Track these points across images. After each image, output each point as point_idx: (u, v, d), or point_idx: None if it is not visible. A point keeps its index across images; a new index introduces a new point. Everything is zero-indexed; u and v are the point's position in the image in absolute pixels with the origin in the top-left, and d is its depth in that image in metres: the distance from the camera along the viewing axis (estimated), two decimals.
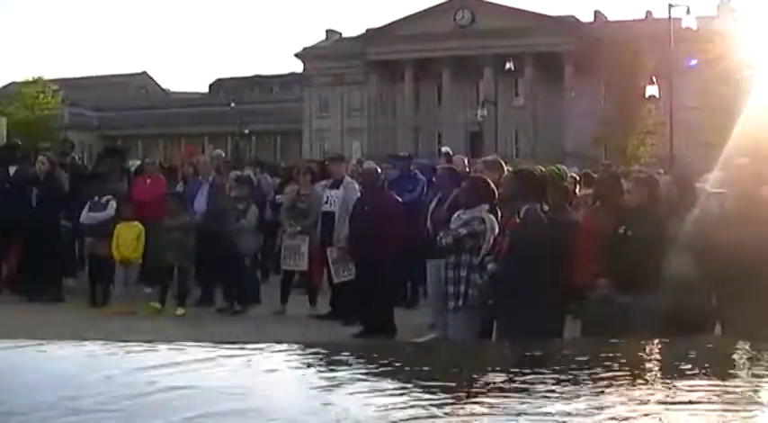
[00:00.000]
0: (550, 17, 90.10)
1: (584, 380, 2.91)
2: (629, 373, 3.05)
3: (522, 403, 2.55)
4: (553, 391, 2.69)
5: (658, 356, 3.73)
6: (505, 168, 12.69)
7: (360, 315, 13.66)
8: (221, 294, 15.76)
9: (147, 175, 17.70)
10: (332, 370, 3.30)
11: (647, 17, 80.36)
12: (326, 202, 14.81)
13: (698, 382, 2.79)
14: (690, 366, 3.20)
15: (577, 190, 14.31)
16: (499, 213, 10.04)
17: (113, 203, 15.81)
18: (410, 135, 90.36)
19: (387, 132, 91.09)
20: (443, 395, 2.71)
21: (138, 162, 21.82)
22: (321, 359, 3.61)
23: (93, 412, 2.46)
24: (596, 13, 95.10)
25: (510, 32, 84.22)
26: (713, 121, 45.77)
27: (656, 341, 4.20)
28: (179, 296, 15.34)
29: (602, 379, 2.89)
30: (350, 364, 3.40)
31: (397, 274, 14.59)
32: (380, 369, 3.23)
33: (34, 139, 44.86)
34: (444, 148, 19.47)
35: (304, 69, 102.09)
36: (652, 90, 46.28)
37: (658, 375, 3.26)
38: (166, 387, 2.87)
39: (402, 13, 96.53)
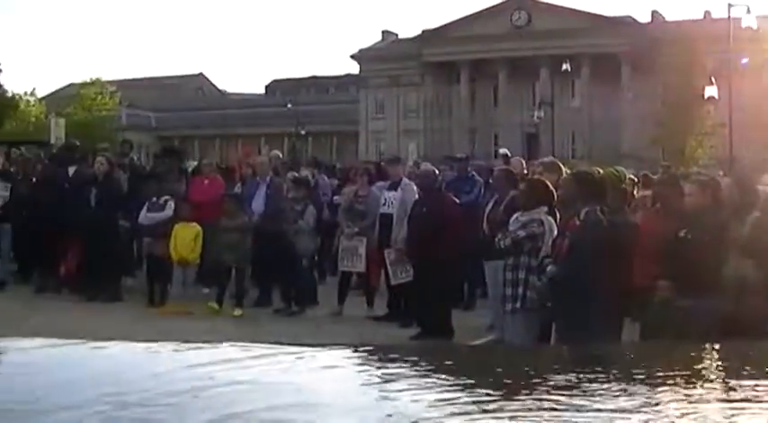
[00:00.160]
0: (607, 18, 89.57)
1: (639, 380, 2.89)
2: (686, 373, 3.03)
3: (573, 400, 2.54)
4: (606, 390, 2.68)
5: (716, 358, 3.70)
6: (563, 170, 12.63)
7: (417, 317, 13.64)
8: (279, 295, 15.77)
9: (204, 176, 17.78)
10: (387, 369, 3.30)
11: (705, 17, 79.88)
12: (384, 204, 14.80)
13: (755, 382, 2.76)
14: (748, 368, 3.17)
15: (635, 192, 14.23)
16: (558, 215, 9.99)
17: (171, 204, 15.89)
18: (466, 136, 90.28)
19: (442, 134, 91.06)
20: (494, 393, 2.71)
21: (195, 163, 21.91)
22: (377, 359, 3.61)
23: (143, 406, 2.49)
24: (654, 13, 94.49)
25: (566, 33, 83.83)
26: None
27: (715, 343, 4.18)
28: (236, 297, 15.38)
29: (658, 378, 2.87)
30: (405, 365, 3.39)
31: (455, 276, 14.54)
32: (435, 369, 3.22)
33: (92, 139, 45.26)
34: (502, 150, 19.41)
35: (360, 70, 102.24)
36: (711, 91, 45.88)
37: (716, 376, 3.23)
38: (223, 382, 2.90)
39: (458, 14, 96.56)
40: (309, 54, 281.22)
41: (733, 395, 2.62)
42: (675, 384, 2.79)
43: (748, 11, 39.90)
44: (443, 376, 3.05)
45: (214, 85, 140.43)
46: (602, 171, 11.71)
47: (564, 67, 66.64)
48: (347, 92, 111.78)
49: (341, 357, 3.81)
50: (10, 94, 62.55)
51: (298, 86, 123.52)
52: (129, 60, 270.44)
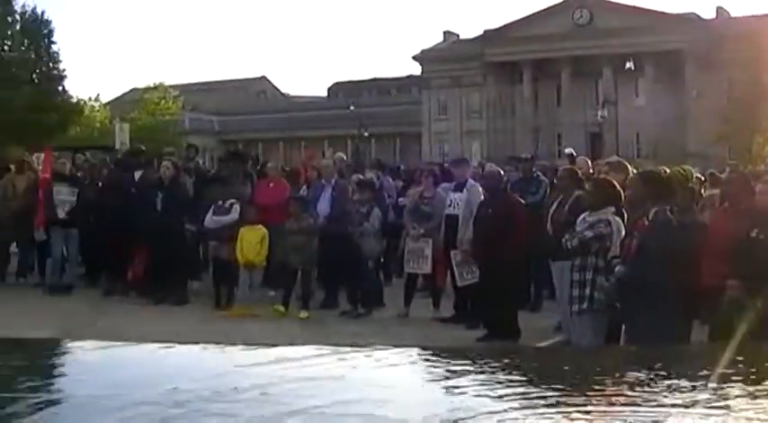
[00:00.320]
0: (670, 14, 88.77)
1: (702, 377, 2.89)
2: (757, 372, 3.01)
3: (636, 396, 2.54)
4: (669, 387, 2.68)
5: None
6: (630, 170, 12.54)
7: (483, 318, 13.60)
8: (345, 297, 15.77)
9: (269, 179, 17.82)
10: (453, 369, 3.31)
11: None
12: (450, 205, 14.77)
13: None
14: None
15: (702, 191, 14.09)
16: (625, 216, 9.91)
17: (237, 207, 15.95)
18: (529, 136, 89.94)
19: (506, 134, 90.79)
20: (554, 391, 2.71)
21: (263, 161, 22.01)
22: (442, 360, 3.61)
23: (214, 402, 2.55)
24: (718, 9, 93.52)
25: (629, 31, 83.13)
26: None
27: None
28: (302, 299, 15.41)
29: (727, 378, 2.86)
30: (471, 365, 3.40)
31: (521, 277, 14.48)
32: (502, 370, 3.22)
33: (156, 144, 45.58)
34: (568, 150, 19.28)
35: (422, 72, 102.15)
36: None
37: None
38: (289, 379, 2.93)
39: (520, 14, 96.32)
40: (371, 56, 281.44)
41: None
42: (745, 383, 2.78)
43: None
44: (509, 376, 3.06)
45: (277, 89, 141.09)
46: (668, 170, 11.62)
47: (627, 65, 66.34)
48: (409, 93, 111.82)
49: (407, 357, 3.81)
50: (75, 100, 63.09)
51: (360, 88, 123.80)
52: (192, 65, 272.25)
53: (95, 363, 3.61)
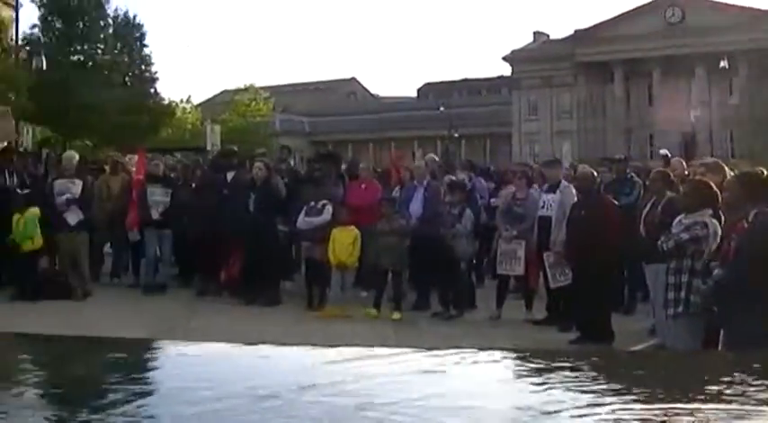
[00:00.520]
0: (765, 11, 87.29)
1: None
2: None
3: (732, 408, 2.52)
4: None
5: None
6: (727, 171, 12.36)
7: (576, 321, 13.50)
8: (437, 299, 15.75)
9: (361, 180, 17.85)
10: (543, 368, 3.30)
11: None
12: (543, 207, 14.71)
13: None
14: None
15: None
16: (723, 218, 9.76)
17: (329, 208, 16.00)
18: (621, 137, 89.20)
19: (596, 134, 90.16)
20: (648, 391, 2.70)
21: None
22: (534, 360, 3.60)
23: (281, 397, 2.60)
24: None
25: (722, 29, 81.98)
26: None
27: None
28: (394, 300, 15.41)
29: None
30: (561, 368, 3.38)
31: (615, 279, 14.35)
32: (594, 373, 3.20)
33: (246, 145, 45.93)
34: (662, 151, 19.07)
35: (512, 72, 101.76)
36: None
37: None
38: (368, 376, 2.94)
39: (610, 13, 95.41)
40: (461, 56, 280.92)
41: None
42: None
43: None
44: (600, 379, 3.04)
45: (366, 90, 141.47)
46: (766, 172, 11.41)
47: (721, 64, 65.37)
48: (499, 94, 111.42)
49: (498, 358, 3.80)
50: (167, 102, 63.79)
51: (450, 89, 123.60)
52: (282, 66, 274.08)
53: (186, 361, 3.73)
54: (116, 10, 57.56)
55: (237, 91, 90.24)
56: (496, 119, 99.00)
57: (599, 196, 14.04)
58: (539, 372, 3.22)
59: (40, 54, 42.78)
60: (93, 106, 47.20)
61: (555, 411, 2.48)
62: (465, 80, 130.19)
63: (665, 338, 11.17)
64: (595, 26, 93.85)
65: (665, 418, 2.40)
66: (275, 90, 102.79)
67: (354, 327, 14.28)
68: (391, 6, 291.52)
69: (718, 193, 9.96)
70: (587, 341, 12.56)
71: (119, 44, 55.90)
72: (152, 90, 59.43)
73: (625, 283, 15.57)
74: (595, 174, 14.73)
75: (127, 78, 56.36)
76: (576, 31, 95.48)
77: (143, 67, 58.56)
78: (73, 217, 17.00)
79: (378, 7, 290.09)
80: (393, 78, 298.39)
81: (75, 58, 52.02)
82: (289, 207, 16.94)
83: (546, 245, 14.31)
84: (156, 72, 59.69)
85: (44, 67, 42.18)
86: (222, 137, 38.24)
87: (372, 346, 9.57)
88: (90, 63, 51.95)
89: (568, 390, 2.75)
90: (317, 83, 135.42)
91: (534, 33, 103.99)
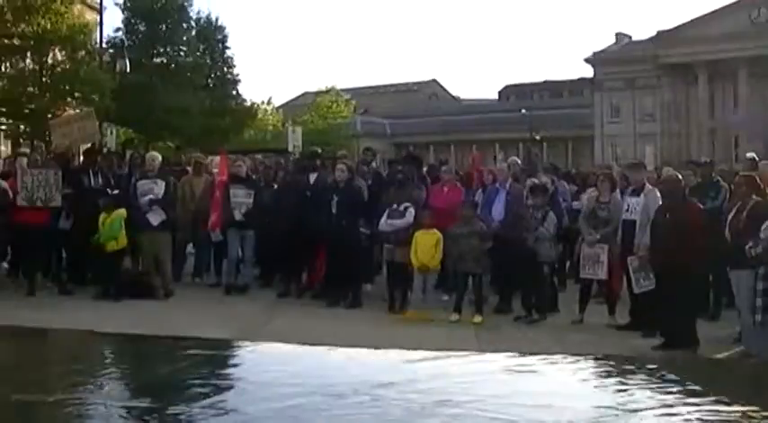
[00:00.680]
0: None
1: None
2: None
3: None
4: None
5: None
6: None
7: (660, 326, 13.31)
8: (519, 302, 15.64)
9: (444, 183, 17.79)
10: (625, 374, 3.26)
11: None
12: (627, 210, 14.54)
13: None
14: None
15: None
16: None
17: (412, 211, 15.96)
18: (705, 139, 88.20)
19: (680, 137, 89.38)
20: (728, 401, 2.66)
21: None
22: (616, 366, 3.56)
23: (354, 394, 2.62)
24: None
25: None
26: None
27: None
28: (475, 304, 15.33)
29: None
30: (643, 374, 3.33)
31: (700, 285, 14.14)
32: (676, 378, 3.15)
33: (327, 147, 46.16)
34: (749, 154, 18.70)
35: (594, 74, 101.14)
36: None
37: None
38: (444, 375, 2.92)
39: (694, 14, 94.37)
40: (542, 58, 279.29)
41: None
42: None
43: None
44: (683, 384, 2.99)
45: (447, 92, 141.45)
46: None
47: None
48: (581, 96, 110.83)
49: (579, 362, 3.76)
50: (249, 104, 64.25)
51: (531, 91, 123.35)
52: (363, 68, 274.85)
53: (266, 360, 3.77)
54: (198, 12, 58.26)
55: (319, 93, 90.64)
56: (578, 121, 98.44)
57: (684, 200, 13.81)
58: (621, 375, 3.18)
59: (124, 57, 43.24)
60: (176, 108, 47.76)
61: (637, 410, 2.45)
62: (546, 82, 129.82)
63: (752, 346, 11.00)
64: (679, 27, 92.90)
65: (745, 421, 2.36)
66: (356, 92, 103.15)
67: (435, 330, 14.26)
68: (473, 8, 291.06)
69: None
70: (671, 347, 12.39)
71: (201, 46, 56.47)
72: (234, 92, 59.96)
73: (710, 289, 15.33)
74: (680, 177, 14.53)
75: (209, 80, 56.89)
76: (659, 32, 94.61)
77: (225, 69, 59.13)
78: (155, 217, 17.17)
79: (460, 9, 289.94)
80: (474, 80, 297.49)
81: (159, 60, 52.65)
82: (371, 209, 16.94)
83: (630, 249, 14.14)
84: (237, 74, 60.35)
85: (127, 69, 42.67)
86: (303, 139, 38.33)
87: (452, 348, 9.53)
88: (173, 65, 52.49)
89: (651, 392, 2.71)
90: (399, 85, 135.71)
91: (616, 35, 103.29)
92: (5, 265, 19.06)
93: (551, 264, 15.58)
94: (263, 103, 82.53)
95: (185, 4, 53.86)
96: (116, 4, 53.38)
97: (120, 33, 52.55)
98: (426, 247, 15.44)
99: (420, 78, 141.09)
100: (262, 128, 75.42)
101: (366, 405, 2.78)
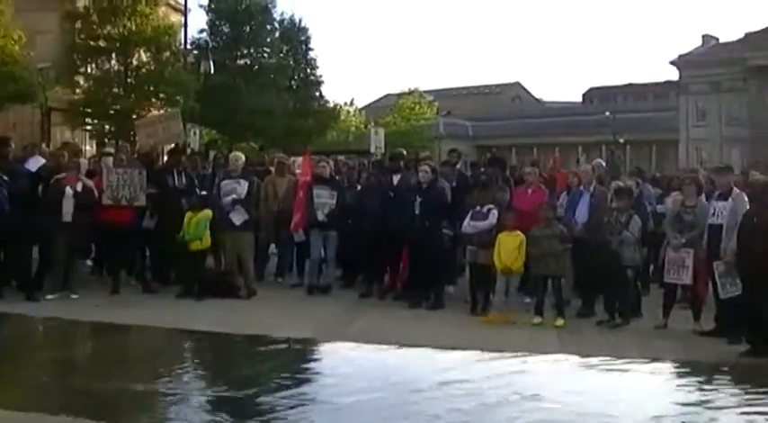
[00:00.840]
0: None
1: None
2: None
3: None
4: None
5: None
6: None
7: (746, 333, 13.11)
8: (602, 306, 15.49)
9: (528, 185, 17.70)
10: (709, 379, 3.23)
11: None
12: (713, 214, 14.34)
13: None
14: None
15: None
16: None
17: (495, 212, 15.90)
18: None
19: None
20: None
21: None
22: (700, 371, 3.53)
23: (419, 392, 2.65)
24: None
25: None
26: None
27: None
28: (556, 307, 15.24)
29: None
30: (727, 382, 3.30)
31: None
32: (760, 386, 3.12)
33: (410, 148, 46.20)
34: None
35: (680, 77, 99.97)
36: None
37: None
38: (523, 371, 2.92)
39: None
40: (627, 61, 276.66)
41: None
42: None
43: None
44: None
45: (531, 94, 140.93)
46: None
47: None
48: (666, 99, 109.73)
49: (661, 366, 3.74)
50: (332, 105, 64.47)
51: (615, 94, 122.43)
52: (446, 70, 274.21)
53: (344, 358, 3.84)
54: (282, 14, 58.61)
55: (402, 94, 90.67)
56: (663, 124, 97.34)
57: None
58: (704, 379, 3.14)
59: (208, 58, 43.64)
60: (260, 109, 48.05)
61: (721, 407, 2.43)
62: (630, 85, 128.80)
63: None
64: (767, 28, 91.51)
65: None
66: (439, 94, 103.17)
67: (517, 332, 14.25)
68: (557, 10, 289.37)
69: None
70: (757, 355, 12.19)
71: (285, 48, 56.72)
72: (317, 93, 60.15)
73: None
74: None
75: (292, 82, 57.14)
76: (747, 34, 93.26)
77: (308, 70, 59.34)
78: (238, 217, 17.31)
79: (544, 11, 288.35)
80: (557, 83, 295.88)
81: (242, 61, 52.95)
82: (454, 210, 16.90)
83: (716, 253, 13.93)
84: (321, 75, 60.49)
85: (211, 70, 43.04)
86: (386, 140, 38.38)
87: (534, 351, 9.49)
88: (256, 67, 52.76)
89: (734, 397, 2.68)
90: (482, 87, 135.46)
91: (703, 37, 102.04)
92: (90, 263, 19.33)
93: (635, 267, 15.37)
94: (345, 104, 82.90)
95: (269, 5, 54.10)
96: (200, 6, 54.00)
97: (204, 35, 53.01)
98: (509, 248, 15.36)
99: (503, 80, 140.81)
100: (344, 129, 75.66)
101: (441, 399, 2.83)
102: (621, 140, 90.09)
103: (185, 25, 44.56)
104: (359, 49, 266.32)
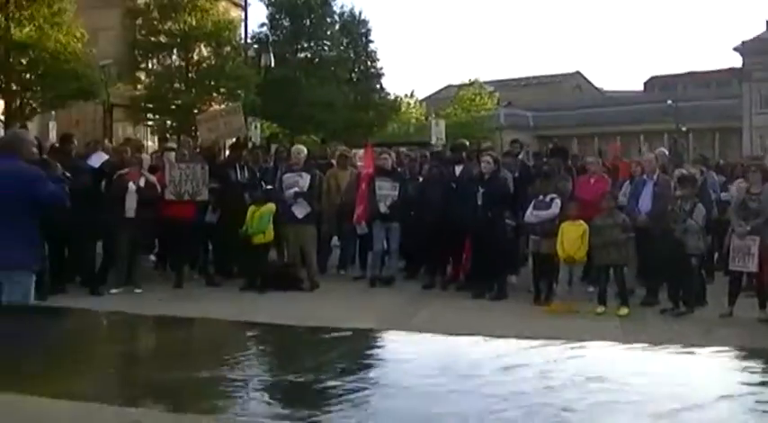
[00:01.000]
0: None
1: None
2: None
3: None
4: None
5: None
6: None
7: None
8: (666, 295, 15.42)
9: (590, 175, 17.65)
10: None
11: None
12: None
13: None
14: None
15: None
16: None
17: (558, 202, 15.87)
18: None
19: None
20: None
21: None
22: (764, 359, 3.50)
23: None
24: None
25: None
26: None
27: None
28: (619, 296, 15.19)
29: None
30: None
31: None
32: None
33: (471, 139, 46.23)
34: None
35: (743, 64, 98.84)
36: None
37: None
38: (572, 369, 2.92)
39: None
40: (688, 48, 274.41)
41: None
42: None
43: None
44: None
45: (591, 83, 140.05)
46: None
47: None
48: (728, 86, 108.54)
49: (724, 357, 3.72)
50: (392, 97, 64.48)
51: (676, 82, 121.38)
52: (506, 61, 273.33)
53: (407, 347, 3.87)
54: (342, 7, 58.95)
55: (462, 86, 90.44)
56: (725, 112, 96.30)
57: None
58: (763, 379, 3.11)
59: (268, 52, 43.86)
60: (320, 102, 48.19)
61: None
62: (692, 73, 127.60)
63: None
64: None
65: None
66: (500, 84, 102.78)
67: (581, 322, 14.22)
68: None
69: None
70: None
71: (345, 40, 56.85)
72: (378, 86, 60.21)
73: None
74: None
75: (353, 74, 57.24)
76: None
77: (369, 62, 59.41)
78: (301, 210, 17.37)
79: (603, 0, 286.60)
80: (618, 72, 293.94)
81: (303, 55, 53.16)
82: (516, 200, 16.89)
83: None
84: (381, 68, 60.54)
85: (272, 64, 43.26)
86: (446, 131, 38.41)
87: (597, 340, 9.44)
88: (316, 60, 52.94)
89: None
90: (542, 77, 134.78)
91: (767, 23, 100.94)
92: (153, 257, 19.51)
93: (699, 256, 15.28)
94: (406, 96, 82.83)
95: None
96: (260, 0, 54.22)
97: (264, 29, 53.31)
98: (572, 238, 15.33)
99: (564, 70, 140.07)
100: (405, 121, 75.68)
101: (507, 383, 2.85)
102: (684, 129, 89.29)
103: (245, 19, 44.96)
104: (419, 40, 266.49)
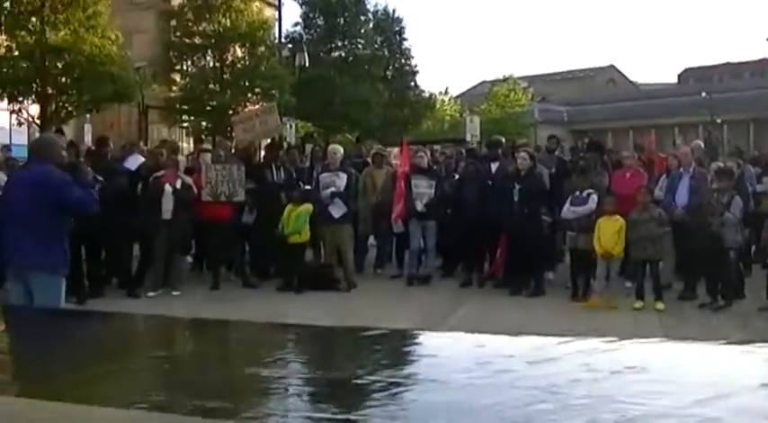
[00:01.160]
0: None
1: None
2: None
3: None
4: None
5: None
6: None
7: None
8: (704, 289, 15.37)
9: (626, 169, 17.59)
10: None
11: None
12: None
13: None
14: None
15: None
16: None
17: (594, 197, 15.82)
18: None
19: None
20: None
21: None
22: None
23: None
24: None
25: None
26: None
27: None
28: (654, 291, 15.13)
29: None
30: None
31: None
32: None
33: (506, 135, 46.14)
34: None
35: None
36: None
37: None
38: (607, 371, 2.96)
39: None
40: (723, 39, 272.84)
41: None
42: None
43: None
44: None
45: (625, 77, 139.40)
46: None
47: None
48: (763, 77, 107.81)
49: (763, 350, 3.73)
50: (427, 94, 64.39)
51: (711, 73, 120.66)
52: (540, 55, 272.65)
53: (448, 345, 3.92)
54: (376, 5, 58.74)
55: (496, 82, 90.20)
56: (760, 102, 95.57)
57: None
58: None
59: (303, 51, 43.85)
60: (355, 101, 48.17)
61: None
62: (727, 64, 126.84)
63: None
64: None
65: None
66: (534, 79, 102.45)
67: (619, 317, 14.17)
68: None
69: None
70: None
71: (379, 39, 56.80)
72: (412, 83, 60.16)
73: None
74: None
75: (387, 72, 57.18)
76: None
77: (403, 60, 59.33)
78: (337, 210, 17.37)
79: None
80: (652, 64, 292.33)
81: (337, 53, 53.12)
82: (553, 197, 16.89)
83: None
84: (416, 65, 60.47)
85: (306, 63, 43.26)
86: (481, 128, 38.38)
87: (637, 335, 9.45)
88: (351, 58, 52.89)
89: None
90: (576, 71, 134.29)
91: None
92: (190, 259, 19.57)
93: (737, 249, 15.22)
94: (440, 93, 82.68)
95: None
96: (294, 0, 54.23)
97: (298, 28, 53.31)
98: (609, 233, 15.28)
99: (597, 64, 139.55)
100: (439, 118, 75.56)
101: (534, 377, 2.90)
102: (719, 120, 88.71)
103: (279, 19, 44.93)
104: (453, 37, 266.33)
